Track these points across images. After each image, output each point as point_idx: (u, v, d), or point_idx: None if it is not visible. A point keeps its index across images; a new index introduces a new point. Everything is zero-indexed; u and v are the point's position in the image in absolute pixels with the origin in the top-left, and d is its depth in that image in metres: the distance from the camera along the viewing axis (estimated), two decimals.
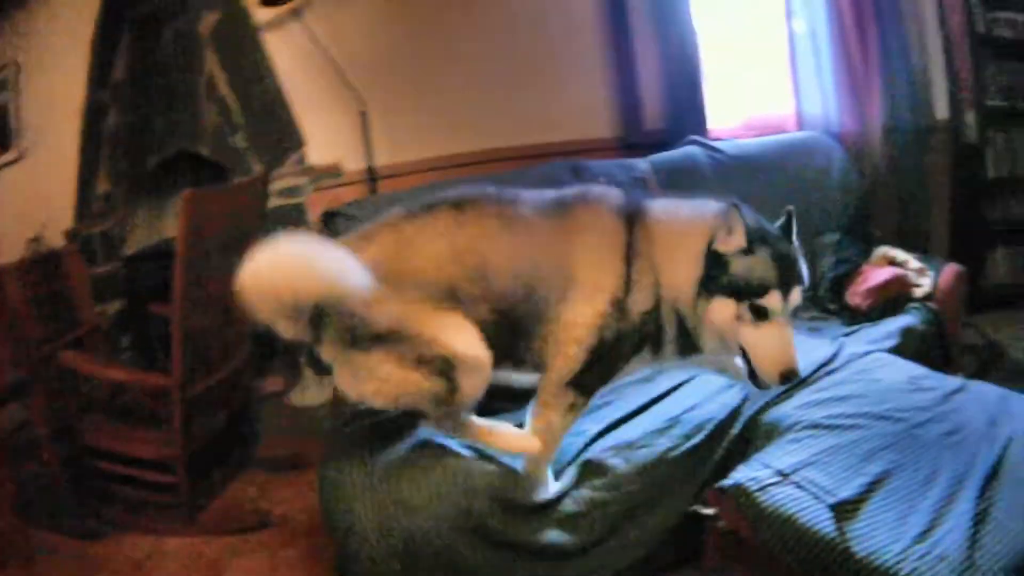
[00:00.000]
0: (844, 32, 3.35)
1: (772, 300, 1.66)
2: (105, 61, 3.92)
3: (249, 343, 3.21)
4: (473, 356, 1.72)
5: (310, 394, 3.52)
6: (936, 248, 3.51)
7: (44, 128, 4.35)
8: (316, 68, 3.34)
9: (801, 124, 3.54)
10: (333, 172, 3.47)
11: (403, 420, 1.95)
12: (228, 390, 3.09)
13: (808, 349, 2.19)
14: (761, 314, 1.67)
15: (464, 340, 1.72)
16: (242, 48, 3.55)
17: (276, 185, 3.50)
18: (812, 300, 2.93)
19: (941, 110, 3.53)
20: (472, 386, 1.74)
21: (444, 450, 1.89)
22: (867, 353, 2.33)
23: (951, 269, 2.95)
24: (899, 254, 3.02)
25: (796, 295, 1.69)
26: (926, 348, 2.67)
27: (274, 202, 3.49)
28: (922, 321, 2.71)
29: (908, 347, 2.57)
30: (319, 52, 3.31)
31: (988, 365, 3.02)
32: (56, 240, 4.17)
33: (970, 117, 3.50)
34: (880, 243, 3.15)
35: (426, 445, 1.92)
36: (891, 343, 2.53)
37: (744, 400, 2.10)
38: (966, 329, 3.13)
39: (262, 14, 3.48)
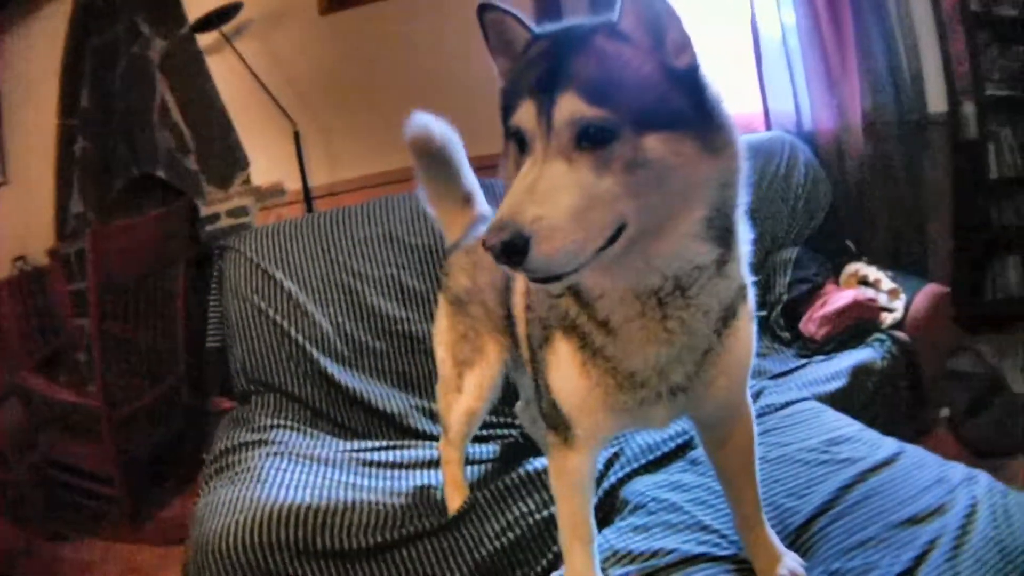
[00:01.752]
0: (815, 15, 2.79)
1: (522, 115, 0.94)
2: (72, 89, 3.80)
3: (182, 366, 3.20)
4: (465, 404, 1.67)
5: None
6: (933, 260, 2.91)
7: (26, 153, 4.28)
8: (252, 90, 3.11)
9: (769, 123, 2.98)
10: (276, 192, 3.28)
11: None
12: (164, 409, 3.14)
13: None
14: (520, 143, 0.96)
15: (470, 383, 1.67)
16: (189, 73, 3.37)
17: (225, 206, 3.35)
18: (761, 325, 2.39)
19: (935, 102, 2.89)
20: (456, 421, 1.70)
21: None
22: (790, 403, 1.82)
23: (930, 290, 2.41)
24: (871, 272, 2.49)
25: (566, 107, 0.89)
26: (890, 388, 2.17)
27: (224, 222, 3.37)
28: (885, 355, 2.18)
29: (861, 389, 2.09)
30: (251, 74, 3.08)
31: (983, 400, 2.40)
32: (40, 259, 4.14)
33: (968, 109, 2.85)
34: (855, 258, 2.61)
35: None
36: (836, 385, 2.04)
37: (608, 465, 1.71)
38: (962, 356, 2.53)
39: (204, 39, 3.28)
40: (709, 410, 1.20)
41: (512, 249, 0.83)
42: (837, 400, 1.95)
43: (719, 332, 1.07)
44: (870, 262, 2.56)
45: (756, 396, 1.86)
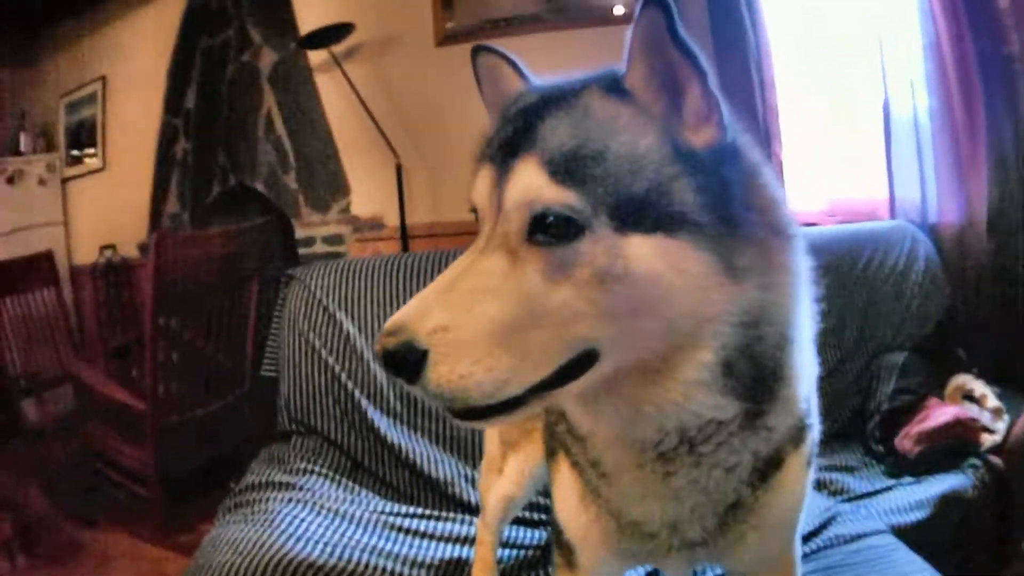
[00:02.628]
0: (948, 99, 2.84)
1: (477, 187, 0.85)
2: (179, 88, 4.13)
3: (246, 385, 3.43)
4: (504, 488, 1.65)
5: None
6: None
7: (125, 143, 4.70)
8: (359, 116, 3.30)
9: (894, 212, 3.06)
10: (375, 224, 3.50)
11: None
12: (219, 423, 3.35)
13: None
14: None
15: (512, 467, 1.63)
16: (298, 88, 3.62)
17: (321, 231, 3.59)
18: (856, 437, 2.53)
19: None
20: (493, 504, 1.68)
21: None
22: (861, 536, 1.86)
23: None
24: (978, 387, 2.52)
25: (521, 181, 0.77)
26: (977, 520, 2.17)
27: (319, 247, 3.60)
28: (976, 483, 2.20)
29: (945, 521, 2.10)
30: (358, 99, 3.27)
31: None
32: (130, 251, 4.57)
33: None
34: (964, 369, 2.64)
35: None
36: (919, 516, 2.07)
37: None
38: None
39: (315, 57, 3.50)
40: (740, 565, 1.06)
41: (400, 362, 0.70)
42: (917, 533, 1.96)
43: (754, 485, 0.91)
44: (978, 375, 2.59)
45: (827, 523, 1.89)
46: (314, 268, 2.62)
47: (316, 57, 3.51)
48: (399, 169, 3.28)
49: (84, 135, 5.00)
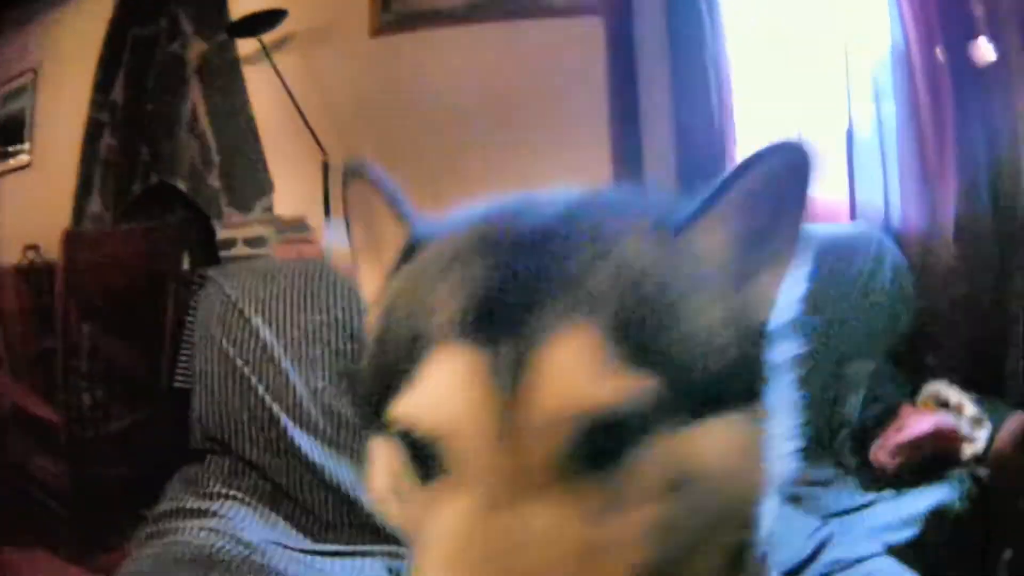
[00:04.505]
0: (915, 104, 2.69)
1: (437, 391, 0.46)
2: (107, 81, 3.74)
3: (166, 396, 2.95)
4: None
5: None
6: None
7: (54, 139, 4.25)
8: (286, 111, 2.99)
9: (855, 216, 2.87)
10: (299, 225, 3.14)
11: None
12: (138, 438, 2.93)
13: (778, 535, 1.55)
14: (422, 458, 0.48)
15: None
16: (225, 81, 3.30)
17: (243, 232, 3.22)
18: (828, 449, 2.28)
19: None
20: None
21: None
22: (861, 560, 1.66)
23: (1019, 420, 2.18)
24: (953, 394, 2.31)
25: (571, 363, 0.44)
26: (970, 535, 2.00)
27: (241, 250, 3.21)
28: (963, 496, 2.01)
29: (936, 537, 1.90)
30: (286, 92, 2.96)
31: None
32: (54, 253, 4.06)
33: None
34: (935, 377, 2.43)
35: None
36: (910, 533, 1.87)
37: None
38: None
39: (244, 47, 3.18)
40: None
41: None
42: (910, 552, 1.79)
43: None
44: (951, 383, 2.38)
45: (822, 547, 1.70)
46: (230, 269, 2.44)
47: (245, 48, 3.19)
48: (325, 167, 2.95)
49: (14, 130, 4.59)
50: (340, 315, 2.21)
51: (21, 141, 4.44)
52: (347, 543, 1.94)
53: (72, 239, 2.90)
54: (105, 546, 2.73)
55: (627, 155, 2.76)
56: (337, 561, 1.87)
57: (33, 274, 4.02)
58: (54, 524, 2.92)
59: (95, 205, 3.76)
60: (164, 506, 2.01)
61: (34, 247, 4.05)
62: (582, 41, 2.84)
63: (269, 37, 2.95)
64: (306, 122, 2.93)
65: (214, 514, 1.91)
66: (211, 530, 1.82)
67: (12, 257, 4.17)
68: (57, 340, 2.97)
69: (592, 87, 2.78)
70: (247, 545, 1.78)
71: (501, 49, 2.91)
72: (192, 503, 1.97)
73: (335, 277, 2.24)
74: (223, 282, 2.31)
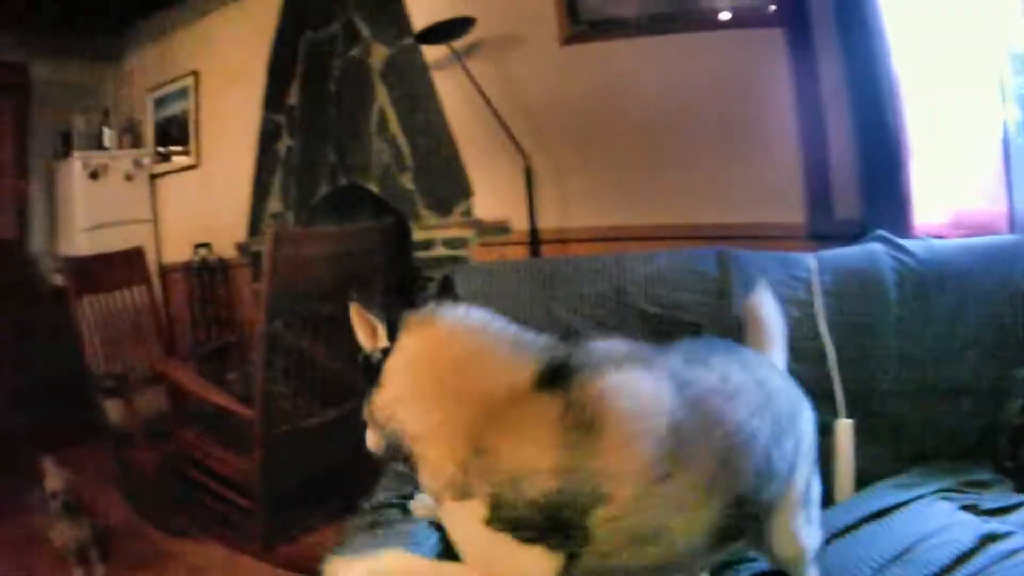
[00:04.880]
0: None
1: None
2: (280, 84, 3.94)
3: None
4: None
5: None
6: None
7: (219, 139, 4.51)
8: (481, 116, 3.06)
9: (1013, 226, 2.93)
10: (500, 228, 3.21)
11: None
12: (330, 434, 2.99)
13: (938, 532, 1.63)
14: None
15: None
16: (412, 86, 3.39)
17: (441, 234, 3.34)
18: (987, 452, 2.37)
19: None
20: None
21: None
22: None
23: None
24: None
25: None
26: None
27: (439, 251, 3.35)
28: None
29: None
30: (482, 98, 3.02)
31: None
32: (226, 251, 4.38)
33: None
34: None
35: None
36: None
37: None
38: None
39: (431, 53, 3.27)
40: None
41: None
42: None
43: None
44: None
45: (984, 541, 1.64)
46: (463, 269, 2.36)
47: (432, 53, 3.28)
48: (528, 172, 3.02)
49: (174, 131, 4.77)
50: (564, 314, 2.20)
51: (183, 142, 4.71)
52: None
53: (281, 236, 2.82)
54: (287, 538, 2.92)
55: (814, 165, 2.86)
56: None
57: (206, 271, 4.39)
58: (231, 518, 3.00)
59: (274, 204, 3.97)
60: (382, 497, 1.94)
61: (205, 245, 4.42)
62: (762, 51, 2.85)
63: (458, 44, 3.02)
64: (506, 128, 2.98)
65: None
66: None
67: (178, 255, 4.56)
68: (255, 335, 2.96)
69: (776, 97, 2.80)
70: None
71: (685, 59, 2.93)
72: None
73: (559, 279, 2.25)
74: (458, 282, 2.27)
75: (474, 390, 1.09)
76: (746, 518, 1.18)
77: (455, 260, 3.23)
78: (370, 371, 1.17)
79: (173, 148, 4.81)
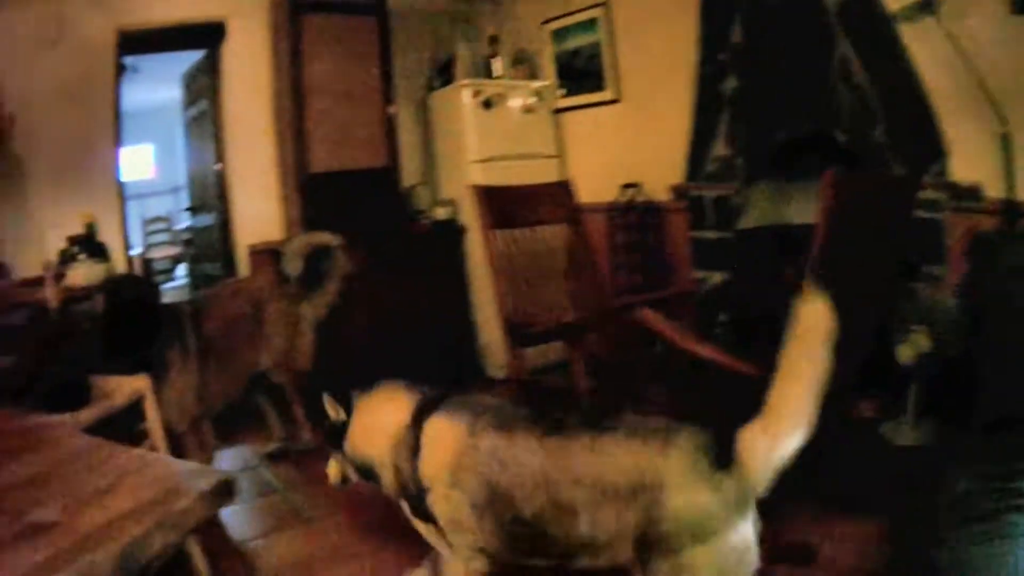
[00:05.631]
0: None
1: None
2: (719, 22, 3.87)
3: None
4: None
5: (909, 433, 3.10)
6: None
7: (642, 75, 4.47)
8: (953, 73, 3.01)
9: None
10: (973, 194, 3.13)
11: None
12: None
13: None
14: None
15: None
16: (876, 35, 3.30)
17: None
18: None
19: None
20: None
21: None
22: None
23: None
24: None
25: None
26: None
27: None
28: None
29: None
30: (957, 56, 2.94)
31: None
32: (657, 193, 4.33)
33: None
34: None
35: None
36: None
37: None
38: None
39: (893, 2, 3.20)
40: None
41: None
42: None
43: None
44: None
45: None
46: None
47: (894, 4, 3.18)
48: (1004, 138, 2.93)
49: (581, 64, 4.73)
50: None
51: (593, 77, 4.67)
52: None
53: (840, 182, 2.11)
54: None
55: None
56: None
57: (633, 214, 4.23)
58: None
59: (720, 148, 3.95)
60: (964, 485, 1.98)
61: (633, 185, 4.34)
62: None
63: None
64: (985, 89, 2.93)
65: None
66: None
67: (594, 195, 4.25)
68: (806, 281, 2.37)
69: None
70: None
71: None
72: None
73: None
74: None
75: (387, 430, 1.95)
76: (541, 539, 1.68)
77: (925, 224, 3.20)
78: (334, 433, 2.08)
79: (576, 83, 4.79)
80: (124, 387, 2.64)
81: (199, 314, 3.20)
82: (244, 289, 3.60)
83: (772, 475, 1.49)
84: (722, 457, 1.51)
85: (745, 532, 1.51)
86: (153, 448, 2.62)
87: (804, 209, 3.36)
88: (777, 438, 1.48)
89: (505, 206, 3.36)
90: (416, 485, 1.85)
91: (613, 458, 1.58)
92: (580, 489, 1.59)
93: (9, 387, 2.46)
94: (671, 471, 1.52)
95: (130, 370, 2.70)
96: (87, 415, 2.40)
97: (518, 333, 3.08)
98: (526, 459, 1.67)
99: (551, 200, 3.52)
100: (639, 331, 2.79)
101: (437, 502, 1.82)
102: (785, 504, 2.33)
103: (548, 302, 3.39)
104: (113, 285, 3.11)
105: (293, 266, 3.62)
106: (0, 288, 3.37)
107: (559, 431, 1.68)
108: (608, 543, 1.59)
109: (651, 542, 1.51)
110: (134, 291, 3.10)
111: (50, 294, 3.16)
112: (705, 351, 2.47)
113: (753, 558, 1.53)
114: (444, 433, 1.83)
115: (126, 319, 2.93)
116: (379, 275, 4.29)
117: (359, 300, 3.99)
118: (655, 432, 1.59)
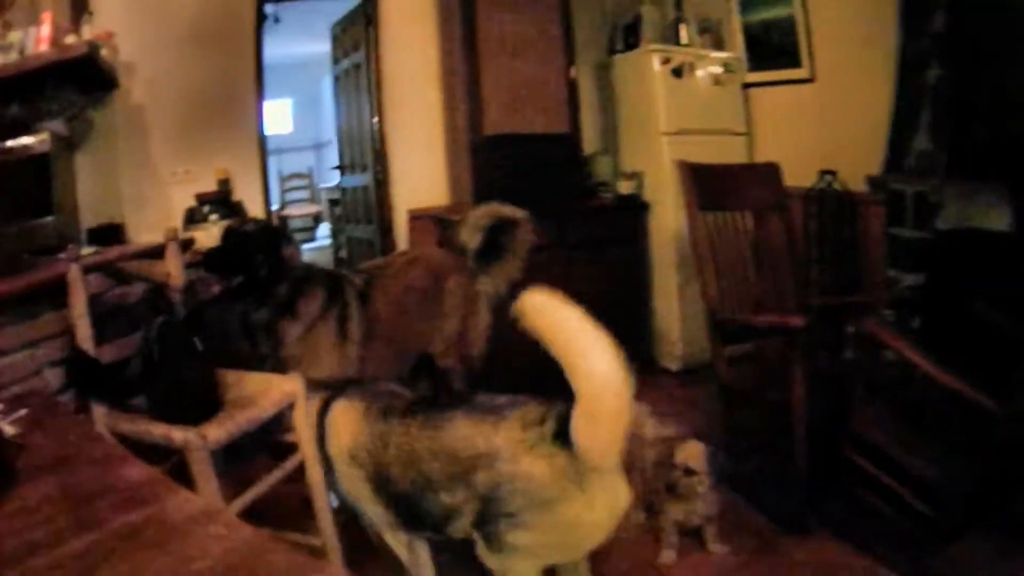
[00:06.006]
0: None
1: None
2: (920, 8, 3.60)
3: None
4: None
5: None
6: None
7: (838, 53, 4.21)
8: None
9: None
10: None
11: None
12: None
13: None
14: None
15: None
16: None
17: None
18: None
19: None
20: None
21: None
22: None
23: None
24: None
25: None
26: None
27: None
28: None
29: None
30: None
31: None
32: (852, 183, 4.04)
33: None
34: None
35: None
36: None
37: None
38: None
39: None
40: None
41: None
42: None
43: None
44: None
45: None
46: None
47: None
48: None
49: (775, 37, 4.43)
50: None
51: (783, 51, 4.39)
52: None
53: None
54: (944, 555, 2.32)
55: None
56: None
57: (826, 203, 3.94)
58: (900, 522, 2.49)
59: (921, 141, 3.67)
60: None
61: (830, 172, 4.04)
62: None
63: None
64: None
65: None
66: None
67: (799, 179, 3.98)
68: None
69: None
70: None
71: None
72: None
73: None
74: None
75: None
76: (416, 509, 1.95)
77: None
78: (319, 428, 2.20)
79: (765, 58, 4.52)
80: (273, 391, 2.16)
81: (370, 287, 2.89)
82: (423, 258, 3.21)
83: (612, 456, 1.70)
84: (560, 433, 1.72)
85: (588, 504, 1.73)
86: (303, 466, 2.21)
87: (993, 214, 3.17)
88: (599, 420, 1.66)
89: (713, 186, 3.14)
90: (326, 465, 2.15)
91: (459, 432, 1.87)
92: (436, 462, 1.87)
93: (126, 385, 2.04)
94: (502, 442, 1.80)
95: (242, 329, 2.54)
96: (217, 432, 1.90)
97: (725, 330, 2.88)
98: (401, 439, 1.95)
99: (759, 183, 3.31)
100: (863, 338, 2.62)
101: (341, 479, 2.10)
102: (967, 535, 2.38)
103: (752, 295, 3.20)
104: (238, 223, 2.77)
105: (473, 238, 3.24)
106: (110, 258, 2.77)
107: (425, 412, 1.97)
108: (464, 511, 1.86)
109: (493, 508, 1.79)
110: (262, 234, 2.70)
111: (173, 268, 2.57)
112: (946, 379, 2.32)
113: (597, 532, 1.78)
114: (343, 417, 2.11)
115: (244, 258, 2.59)
116: (554, 252, 4.04)
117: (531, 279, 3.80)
118: (496, 408, 1.88)
